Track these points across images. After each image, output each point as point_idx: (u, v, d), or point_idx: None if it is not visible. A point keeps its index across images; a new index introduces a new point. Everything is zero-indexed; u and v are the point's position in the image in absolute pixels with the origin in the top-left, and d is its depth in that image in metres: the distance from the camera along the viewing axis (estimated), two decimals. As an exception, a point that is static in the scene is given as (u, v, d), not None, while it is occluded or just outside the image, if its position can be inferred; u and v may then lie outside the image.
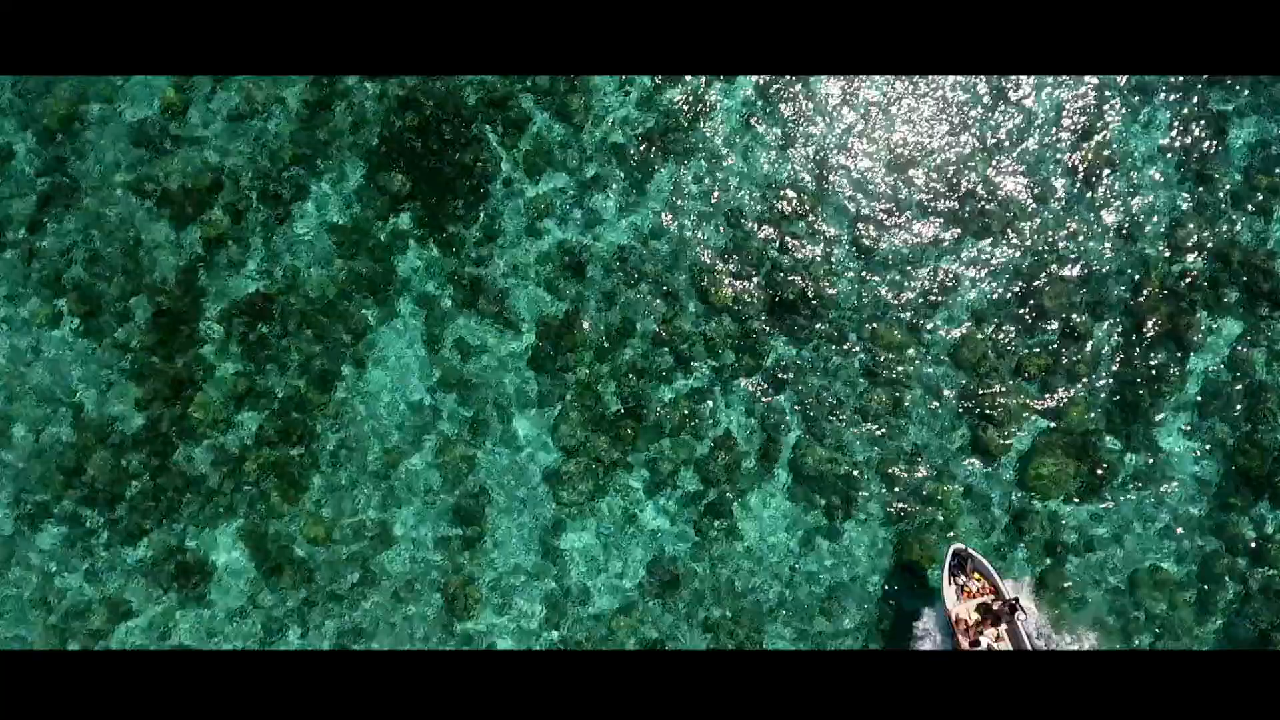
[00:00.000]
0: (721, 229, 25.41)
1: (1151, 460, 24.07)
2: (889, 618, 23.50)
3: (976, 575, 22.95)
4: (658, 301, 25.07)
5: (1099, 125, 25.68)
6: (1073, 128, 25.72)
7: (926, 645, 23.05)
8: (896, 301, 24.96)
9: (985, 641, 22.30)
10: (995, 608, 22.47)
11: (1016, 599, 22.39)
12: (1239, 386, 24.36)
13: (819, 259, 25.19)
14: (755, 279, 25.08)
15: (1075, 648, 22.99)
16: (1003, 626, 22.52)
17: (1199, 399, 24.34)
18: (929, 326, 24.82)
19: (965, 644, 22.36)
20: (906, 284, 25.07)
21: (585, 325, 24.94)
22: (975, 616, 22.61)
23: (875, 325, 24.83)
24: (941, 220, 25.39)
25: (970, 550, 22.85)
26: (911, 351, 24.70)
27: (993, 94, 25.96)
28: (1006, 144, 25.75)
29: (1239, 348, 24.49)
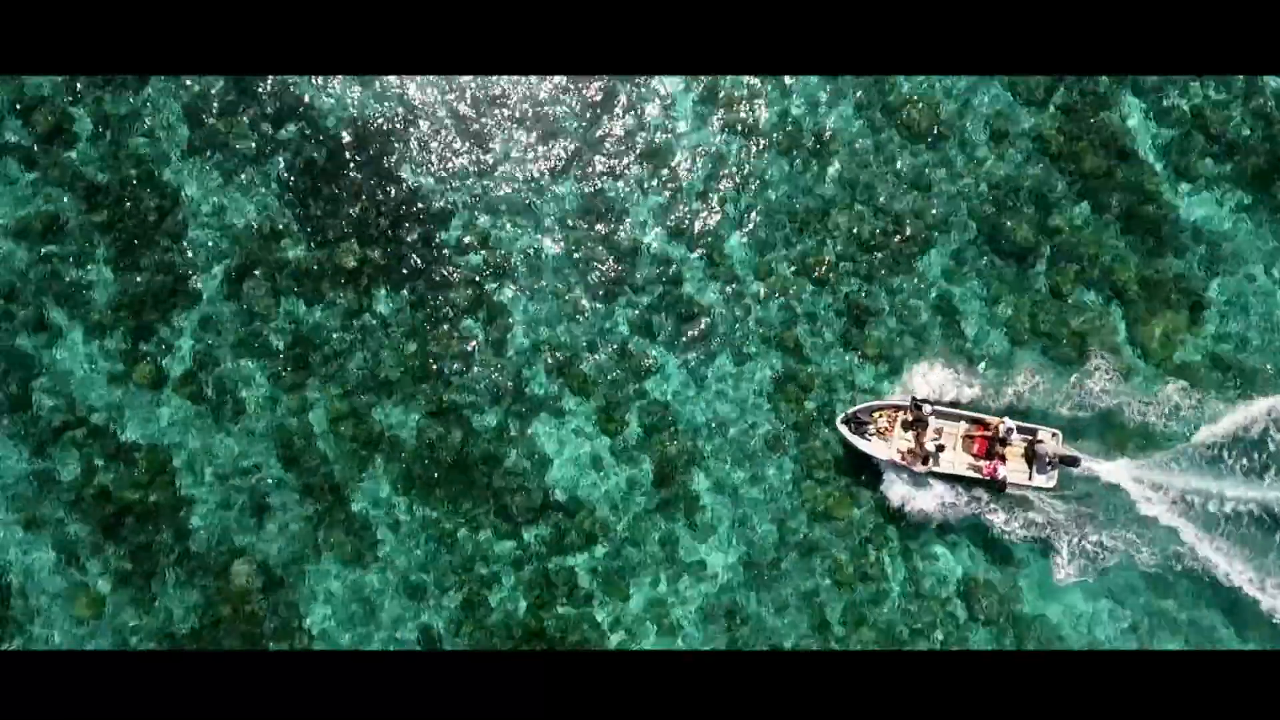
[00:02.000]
0: (764, 468, 24.76)
1: (1204, 241, 24.69)
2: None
3: (875, 415, 23.71)
4: (810, 557, 24.38)
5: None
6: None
7: (913, 501, 23.69)
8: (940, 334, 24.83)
9: (930, 446, 23.17)
10: (910, 418, 23.36)
11: (911, 397, 23.45)
12: (1181, 131, 25.16)
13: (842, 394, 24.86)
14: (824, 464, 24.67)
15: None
16: (931, 425, 23.37)
17: (1174, 163, 25.07)
18: (980, 345, 24.81)
19: (921, 467, 23.15)
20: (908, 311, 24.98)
21: (786, 642, 24.11)
22: (908, 437, 23.39)
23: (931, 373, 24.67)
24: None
25: (849, 410, 23.60)
26: (982, 355, 24.70)
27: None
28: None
29: (1157, 103, 25.31)
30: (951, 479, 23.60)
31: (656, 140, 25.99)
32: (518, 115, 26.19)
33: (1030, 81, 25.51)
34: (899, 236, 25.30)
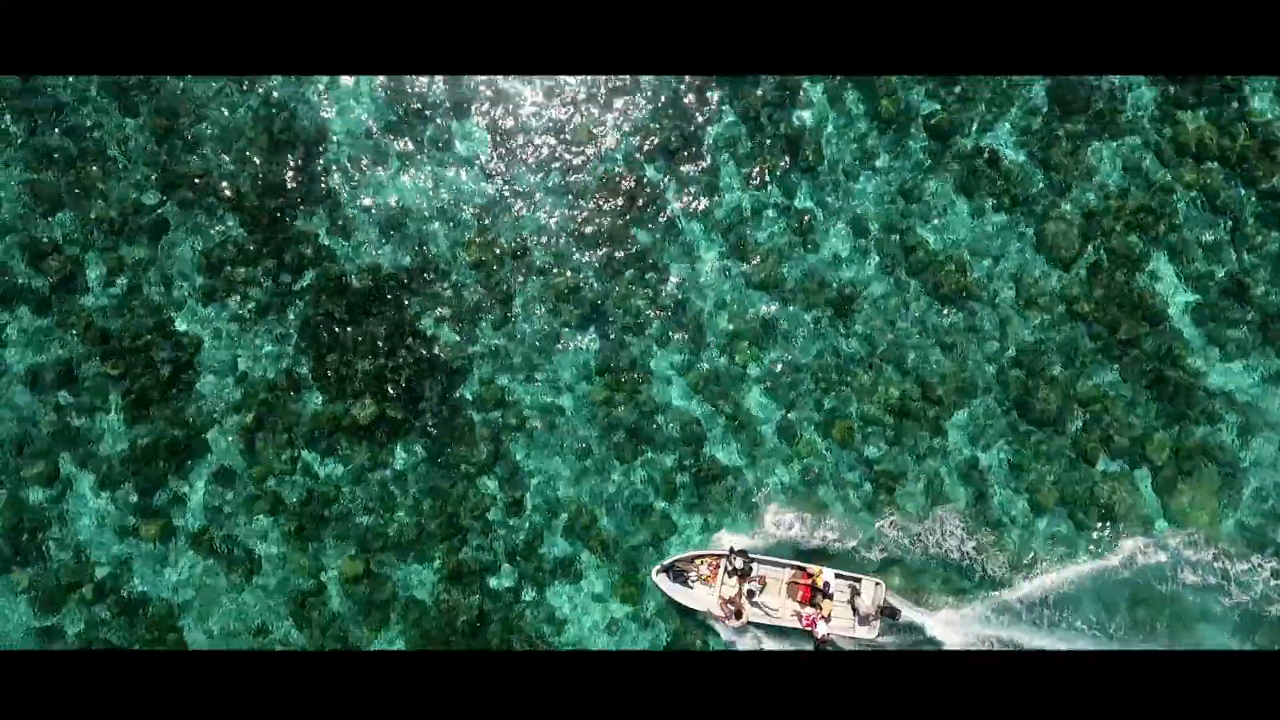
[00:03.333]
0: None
1: (1235, 409, 24.30)
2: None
3: (695, 563, 23.63)
4: None
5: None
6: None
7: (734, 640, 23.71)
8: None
9: (748, 588, 23.13)
10: (731, 568, 23.18)
11: (730, 546, 23.35)
12: (1212, 296, 24.79)
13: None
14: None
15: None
16: (755, 574, 23.32)
17: (1206, 329, 24.69)
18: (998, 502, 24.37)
19: (735, 622, 23.09)
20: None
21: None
22: (732, 583, 23.26)
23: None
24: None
25: (666, 560, 23.62)
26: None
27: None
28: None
29: (1188, 268, 24.93)
30: (773, 629, 23.54)
31: (679, 296, 25.60)
32: (539, 266, 25.81)
33: (1061, 242, 25.08)
34: (925, 399, 24.87)
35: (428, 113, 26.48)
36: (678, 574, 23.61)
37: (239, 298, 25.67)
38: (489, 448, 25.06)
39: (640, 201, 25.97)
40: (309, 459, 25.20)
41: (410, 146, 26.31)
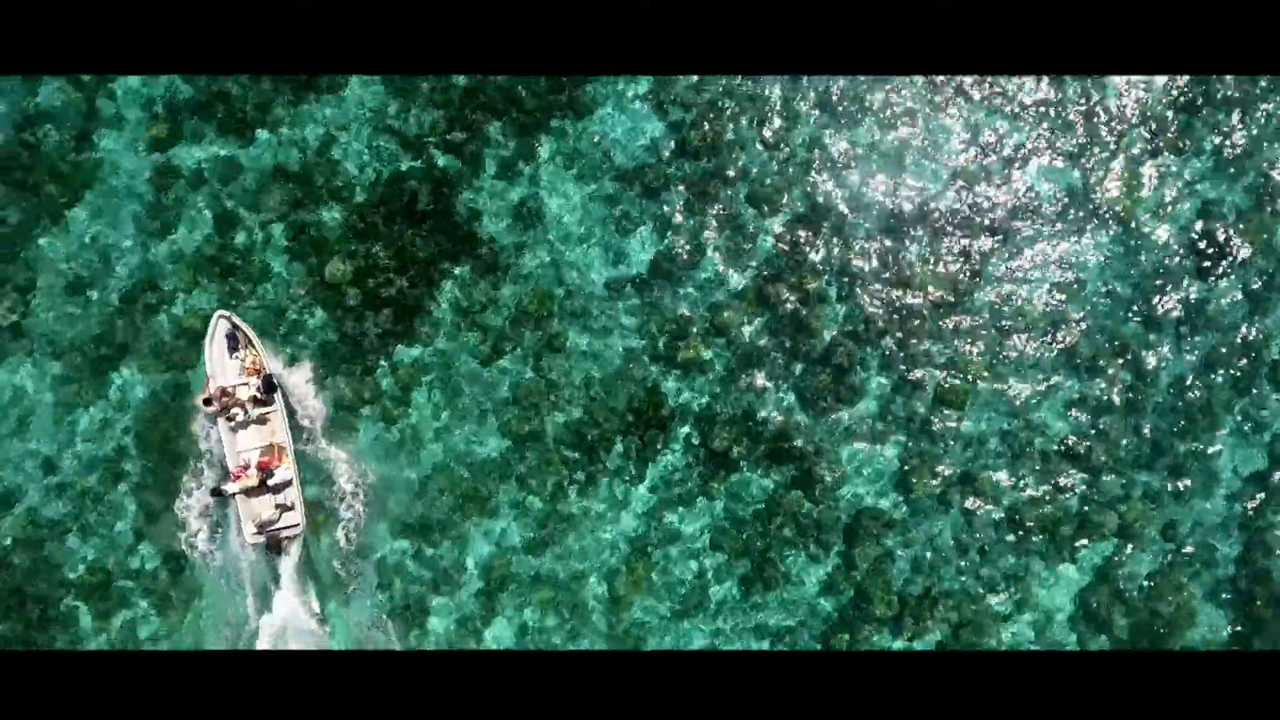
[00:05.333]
0: None
1: None
2: None
3: (251, 347, 22.87)
4: None
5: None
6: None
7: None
8: None
9: (238, 414, 22.38)
10: (257, 380, 22.41)
11: (270, 374, 22.52)
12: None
13: None
14: None
15: None
16: (269, 412, 22.76)
17: None
18: None
19: (210, 406, 22.23)
20: None
21: None
22: (246, 386, 22.56)
23: None
24: None
25: (239, 320, 22.85)
26: None
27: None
28: None
29: None
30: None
31: (572, 513, 24.44)
32: (543, 371, 24.85)
33: None
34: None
35: (659, 187, 25.43)
36: (234, 339, 23.08)
37: (403, 112, 25.53)
38: (355, 399, 24.47)
39: (654, 431, 24.62)
40: (278, 235, 25.04)
41: (602, 192, 25.57)
